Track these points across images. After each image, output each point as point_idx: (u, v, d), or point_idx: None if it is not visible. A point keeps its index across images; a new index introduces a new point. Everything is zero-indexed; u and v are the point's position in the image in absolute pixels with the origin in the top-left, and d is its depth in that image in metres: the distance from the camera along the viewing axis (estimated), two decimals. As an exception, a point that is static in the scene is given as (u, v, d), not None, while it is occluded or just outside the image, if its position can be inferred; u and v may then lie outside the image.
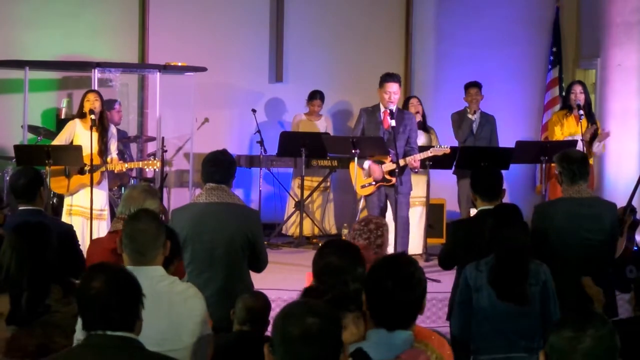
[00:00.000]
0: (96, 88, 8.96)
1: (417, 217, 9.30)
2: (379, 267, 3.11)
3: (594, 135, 8.77)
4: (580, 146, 8.36)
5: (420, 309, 3.06)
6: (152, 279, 3.51)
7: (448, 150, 8.43)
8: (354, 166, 8.20)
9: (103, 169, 8.01)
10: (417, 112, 9.37)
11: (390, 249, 8.51)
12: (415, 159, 8.13)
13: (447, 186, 9.76)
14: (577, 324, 2.47)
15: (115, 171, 8.34)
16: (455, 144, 9.26)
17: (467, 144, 9.28)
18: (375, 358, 2.90)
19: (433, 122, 9.76)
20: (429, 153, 8.32)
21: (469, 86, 9.49)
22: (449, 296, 5.61)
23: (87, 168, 7.83)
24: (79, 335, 3.48)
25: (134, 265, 3.56)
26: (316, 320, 2.47)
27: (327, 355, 2.49)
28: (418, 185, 8.93)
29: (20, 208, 5.08)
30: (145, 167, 8.51)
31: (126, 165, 8.33)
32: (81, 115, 8.07)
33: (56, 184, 8.06)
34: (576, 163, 5.35)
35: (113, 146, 8.16)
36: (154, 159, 8.54)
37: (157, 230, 3.63)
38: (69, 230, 5.21)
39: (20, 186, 5.04)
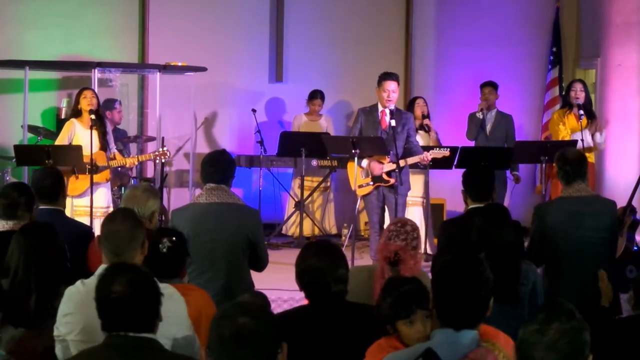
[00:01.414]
0: (96, 88, 8.94)
1: (417, 218, 9.24)
2: (447, 266, 3.07)
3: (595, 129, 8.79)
4: (580, 146, 8.36)
5: (488, 309, 3.03)
6: None
7: (447, 153, 8.41)
8: (352, 166, 8.18)
9: (114, 164, 7.98)
10: (422, 113, 9.37)
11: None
12: (427, 156, 8.12)
13: (447, 186, 9.76)
14: (544, 317, 2.49)
15: (127, 165, 8.34)
16: (466, 143, 9.30)
17: (479, 143, 9.29)
18: (442, 358, 2.88)
19: (433, 122, 9.73)
20: (429, 156, 8.29)
21: (483, 86, 9.56)
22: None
23: (100, 165, 7.81)
24: (63, 328, 3.48)
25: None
26: (248, 321, 2.43)
27: (262, 356, 2.45)
28: (415, 186, 8.85)
29: (41, 207, 5.09)
30: (156, 158, 8.51)
31: (137, 157, 8.34)
32: (76, 113, 8.01)
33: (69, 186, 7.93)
34: (570, 164, 5.36)
35: (111, 143, 8.15)
36: (163, 149, 8.53)
37: (132, 231, 3.59)
38: (87, 232, 5.19)
39: (47, 187, 5.06)
